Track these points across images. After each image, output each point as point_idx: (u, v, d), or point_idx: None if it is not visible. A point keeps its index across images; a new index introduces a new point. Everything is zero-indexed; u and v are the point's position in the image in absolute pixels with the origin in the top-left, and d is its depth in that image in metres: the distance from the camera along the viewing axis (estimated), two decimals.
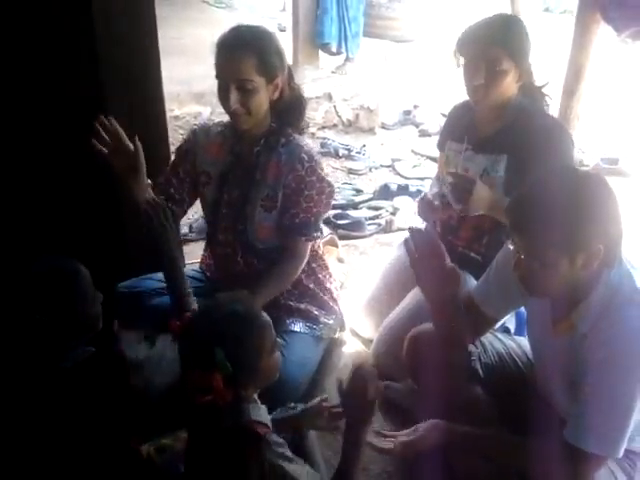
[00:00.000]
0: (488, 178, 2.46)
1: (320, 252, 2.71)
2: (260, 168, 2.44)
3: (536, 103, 2.51)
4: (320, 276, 2.69)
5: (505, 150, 2.44)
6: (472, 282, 2.51)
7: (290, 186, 2.41)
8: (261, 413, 1.81)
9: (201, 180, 2.54)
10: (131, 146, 2.27)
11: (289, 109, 2.46)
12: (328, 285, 2.72)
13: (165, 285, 2.59)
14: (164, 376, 2.20)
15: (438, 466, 2.08)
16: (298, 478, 1.77)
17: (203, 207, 2.60)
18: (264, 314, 1.80)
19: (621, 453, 1.73)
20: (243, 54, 2.24)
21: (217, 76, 2.30)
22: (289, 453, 1.79)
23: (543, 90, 2.56)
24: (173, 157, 2.63)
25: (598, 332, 1.74)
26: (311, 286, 2.65)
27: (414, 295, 2.69)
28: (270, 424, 1.83)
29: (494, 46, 2.33)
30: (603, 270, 1.75)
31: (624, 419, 1.70)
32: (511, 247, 1.80)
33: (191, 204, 2.64)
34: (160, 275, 2.65)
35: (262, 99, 2.31)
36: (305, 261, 2.53)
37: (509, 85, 2.38)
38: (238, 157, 2.48)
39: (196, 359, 1.68)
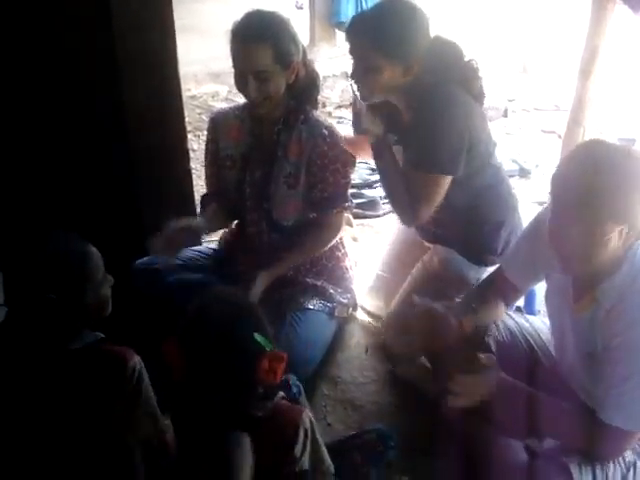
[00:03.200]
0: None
1: None
2: (281, 146, 2.48)
3: (442, 87, 2.34)
4: (338, 254, 2.73)
5: (403, 140, 2.42)
6: (456, 256, 2.56)
7: (315, 163, 2.46)
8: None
9: (226, 164, 2.59)
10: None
11: (305, 88, 2.50)
12: (344, 263, 2.75)
13: (182, 262, 2.64)
14: None
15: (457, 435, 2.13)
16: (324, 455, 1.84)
17: (228, 190, 2.63)
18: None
19: None
20: (259, 45, 2.27)
21: (234, 66, 2.33)
22: None
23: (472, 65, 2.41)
24: (207, 159, 2.68)
25: (620, 312, 1.77)
26: (329, 264, 2.69)
27: (414, 273, 2.68)
28: None
29: (366, 43, 2.26)
30: (629, 250, 1.77)
31: None
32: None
33: None
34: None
35: (279, 85, 2.35)
36: (339, 233, 2.61)
37: (390, 79, 2.28)
38: (258, 138, 2.52)
39: (248, 354, 1.71)
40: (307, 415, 1.79)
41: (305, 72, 2.49)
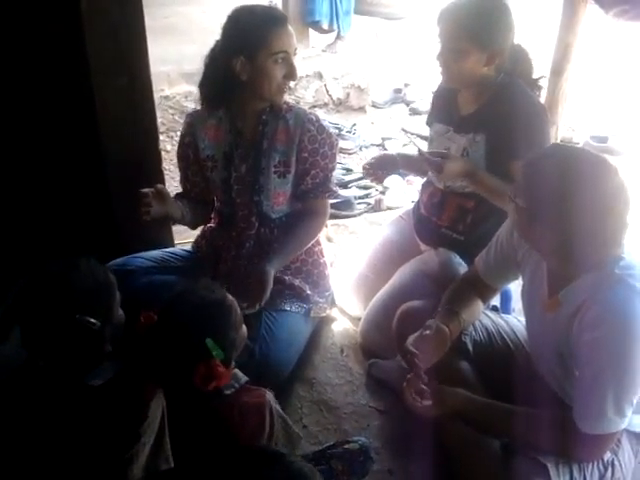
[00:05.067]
0: (469, 158, 2.49)
1: None
2: (267, 137, 2.49)
3: (518, 83, 2.48)
4: (318, 248, 2.74)
5: (483, 129, 2.46)
6: (458, 260, 2.55)
7: (306, 148, 2.49)
8: (240, 377, 1.91)
9: (208, 166, 2.58)
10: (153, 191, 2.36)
11: None
12: (323, 260, 2.76)
13: (155, 264, 2.61)
14: None
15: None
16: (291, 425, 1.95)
17: (214, 191, 2.63)
18: (228, 295, 1.88)
19: (614, 428, 1.77)
20: (288, 26, 2.37)
21: (275, 52, 2.33)
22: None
23: (538, 82, 2.58)
24: (180, 164, 2.71)
25: (584, 314, 1.78)
26: (309, 259, 2.69)
27: (402, 273, 2.71)
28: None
29: (456, 26, 2.36)
30: (597, 257, 1.78)
31: (600, 396, 1.74)
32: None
33: (212, 199, 2.72)
34: (151, 254, 2.68)
35: None
36: (327, 218, 2.68)
37: (473, 66, 2.39)
38: (239, 133, 2.52)
39: (191, 353, 1.74)
40: (269, 394, 1.88)
41: None
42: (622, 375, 1.73)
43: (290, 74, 2.38)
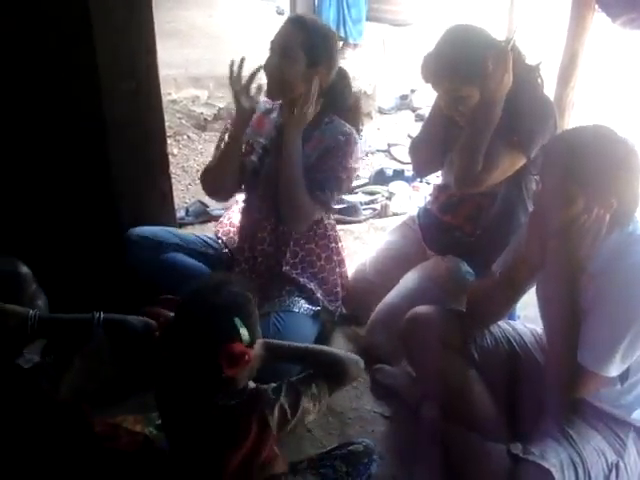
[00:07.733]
0: None
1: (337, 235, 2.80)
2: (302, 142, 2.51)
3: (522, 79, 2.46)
4: (337, 258, 2.77)
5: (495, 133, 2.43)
6: (466, 267, 2.56)
7: (327, 148, 2.52)
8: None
9: (245, 149, 2.65)
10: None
11: (331, 98, 2.56)
12: (339, 269, 2.79)
13: (181, 243, 2.71)
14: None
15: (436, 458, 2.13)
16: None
17: (242, 173, 2.66)
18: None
19: (612, 373, 1.83)
20: (295, 28, 2.48)
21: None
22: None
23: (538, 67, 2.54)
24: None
25: (605, 281, 1.85)
26: (327, 266, 2.72)
27: (408, 279, 2.72)
28: None
29: (449, 80, 2.39)
30: (615, 226, 1.85)
31: (617, 339, 1.80)
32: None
33: None
34: (178, 231, 2.79)
35: (297, 75, 2.46)
36: (307, 222, 2.59)
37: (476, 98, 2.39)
38: (281, 132, 2.56)
39: (219, 333, 1.70)
40: (265, 393, 1.81)
41: (331, 85, 2.56)
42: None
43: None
